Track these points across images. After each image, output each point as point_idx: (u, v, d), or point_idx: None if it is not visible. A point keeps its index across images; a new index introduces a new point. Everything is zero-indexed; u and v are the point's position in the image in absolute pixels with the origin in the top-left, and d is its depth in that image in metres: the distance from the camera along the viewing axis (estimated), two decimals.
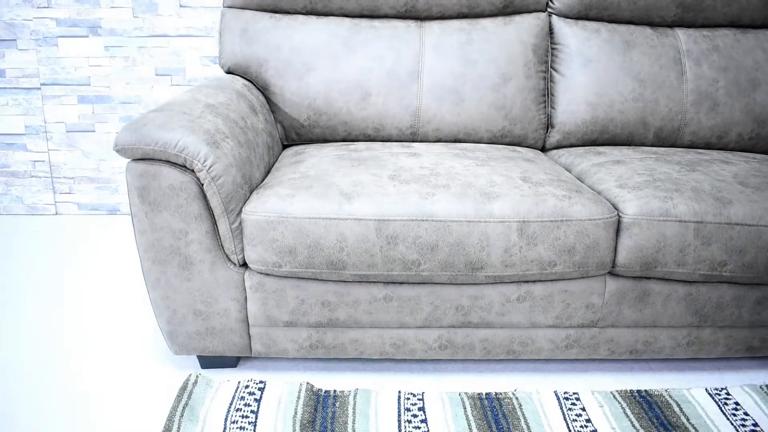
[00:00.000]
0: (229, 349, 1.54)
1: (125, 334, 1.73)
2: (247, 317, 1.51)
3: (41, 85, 2.39)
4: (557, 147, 1.97)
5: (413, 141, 1.92)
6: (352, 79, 1.86)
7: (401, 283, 1.47)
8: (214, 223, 1.42)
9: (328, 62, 1.86)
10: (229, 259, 1.46)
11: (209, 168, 1.36)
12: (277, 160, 1.78)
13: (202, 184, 1.38)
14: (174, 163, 1.37)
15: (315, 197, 1.40)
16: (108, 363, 1.61)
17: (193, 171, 1.38)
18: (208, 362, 1.61)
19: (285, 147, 1.97)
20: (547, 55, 1.96)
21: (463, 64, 1.88)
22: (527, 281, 1.49)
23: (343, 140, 1.92)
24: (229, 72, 1.93)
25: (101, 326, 1.77)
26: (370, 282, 1.46)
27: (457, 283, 1.48)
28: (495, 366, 1.65)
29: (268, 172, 1.67)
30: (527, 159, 1.71)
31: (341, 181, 1.47)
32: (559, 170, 1.66)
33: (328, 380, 1.57)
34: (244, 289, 1.48)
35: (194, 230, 1.42)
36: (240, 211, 1.42)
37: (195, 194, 1.39)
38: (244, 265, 1.47)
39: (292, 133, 1.92)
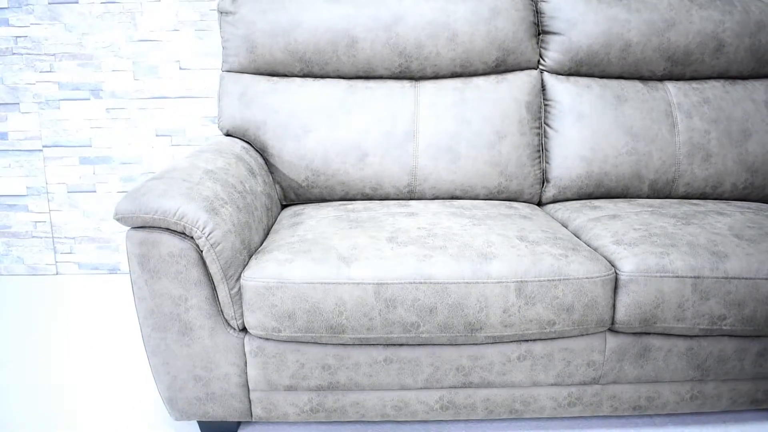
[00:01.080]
0: (229, 414, 1.52)
1: (124, 398, 1.72)
2: (247, 382, 1.49)
3: (43, 147, 2.42)
4: (553, 201, 1.99)
5: (410, 199, 1.93)
6: (349, 140, 1.88)
7: (401, 345, 1.47)
8: (214, 288, 1.43)
9: (325, 124, 1.89)
10: (229, 325, 1.45)
11: (208, 235, 1.37)
12: (276, 221, 1.79)
13: (202, 251, 1.39)
14: (173, 231, 1.38)
15: (313, 262, 1.41)
16: (107, 428, 1.59)
17: (192, 238, 1.39)
18: (209, 428, 1.59)
19: (284, 207, 1.98)
20: (540, 111, 1.99)
21: (458, 122, 1.90)
22: (527, 340, 1.48)
23: (341, 199, 1.94)
24: (228, 134, 1.95)
25: (100, 391, 1.76)
26: (369, 345, 1.46)
27: (457, 344, 1.47)
28: (498, 425, 1.63)
29: (267, 234, 1.67)
30: (524, 216, 1.72)
31: (339, 244, 1.48)
32: (556, 227, 1.67)
33: None
34: (244, 353, 1.47)
35: (194, 296, 1.42)
36: (239, 276, 1.43)
37: (194, 261, 1.39)
38: (244, 329, 1.47)
39: (291, 194, 1.94)
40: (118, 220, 1.38)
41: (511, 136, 1.92)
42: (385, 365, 1.47)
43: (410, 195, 1.92)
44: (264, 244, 1.56)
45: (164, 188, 1.40)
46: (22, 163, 2.43)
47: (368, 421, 1.64)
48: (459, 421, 1.65)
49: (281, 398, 1.50)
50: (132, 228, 1.40)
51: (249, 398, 1.51)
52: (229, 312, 1.44)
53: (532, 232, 1.58)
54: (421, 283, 1.40)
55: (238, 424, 1.60)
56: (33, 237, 2.49)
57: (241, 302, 1.43)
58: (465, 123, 1.91)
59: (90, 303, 2.31)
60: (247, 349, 1.46)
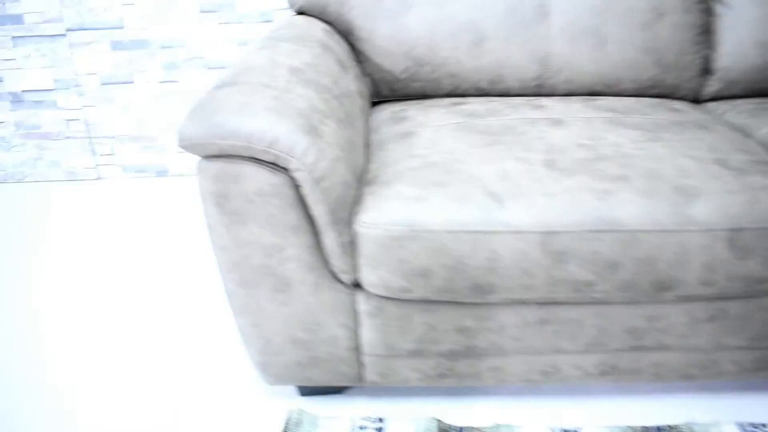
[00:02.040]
0: (336, 379, 1.20)
1: (198, 341, 1.40)
2: (359, 345, 1.15)
3: (67, 31, 1.96)
4: (714, 98, 1.53)
5: (538, 95, 1.49)
6: (462, 18, 1.41)
7: (561, 303, 1.10)
8: (317, 235, 1.05)
9: None
10: (337, 279, 1.09)
11: (311, 166, 0.96)
12: (372, 126, 1.38)
13: (301, 187, 0.99)
14: (262, 161, 0.98)
15: (454, 201, 1.01)
16: (183, 384, 1.28)
17: (287, 170, 0.99)
18: (309, 390, 1.27)
19: (374, 104, 1.56)
20: None
21: None
22: (723, 298, 1.10)
23: (448, 95, 1.50)
24: (300, 12, 1.49)
25: (163, 325, 1.44)
26: (522, 303, 1.09)
27: (632, 303, 1.10)
28: (663, 393, 1.29)
29: (367, 147, 1.27)
30: (700, 124, 1.28)
31: (482, 171, 1.07)
32: (751, 145, 1.23)
33: (457, 412, 1.23)
34: (357, 313, 1.12)
35: (291, 246, 1.04)
36: (351, 219, 1.04)
37: (291, 200, 1.00)
38: (357, 284, 1.10)
39: (384, 88, 1.50)
40: (184, 148, 0.98)
41: (672, 14, 1.43)
42: (538, 327, 1.11)
43: (538, 90, 1.48)
44: (373, 167, 1.15)
45: (243, 100, 0.99)
46: (44, 52, 1.99)
47: (503, 386, 1.30)
48: (614, 385, 1.31)
49: (402, 363, 1.17)
50: (204, 158, 1.00)
51: (360, 362, 1.17)
52: (338, 264, 1.06)
53: (729, 152, 1.15)
54: (603, 231, 1.00)
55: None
56: (67, 138, 2.10)
57: (355, 253, 1.06)
58: None
59: (138, 210, 1.96)
60: (361, 308, 1.10)
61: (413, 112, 1.38)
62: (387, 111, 1.43)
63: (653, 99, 1.45)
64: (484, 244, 0.99)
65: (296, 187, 1.00)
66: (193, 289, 1.61)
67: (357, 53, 1.47)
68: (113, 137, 2.10)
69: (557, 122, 1.26)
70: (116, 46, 1.98)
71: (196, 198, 2.02)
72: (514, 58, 1.43)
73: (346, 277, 1.08)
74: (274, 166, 0.98)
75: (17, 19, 1.94)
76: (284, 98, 1.01)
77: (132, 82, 2.03)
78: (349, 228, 1.04)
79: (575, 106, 1.36)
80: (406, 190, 1.03)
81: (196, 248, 1.78)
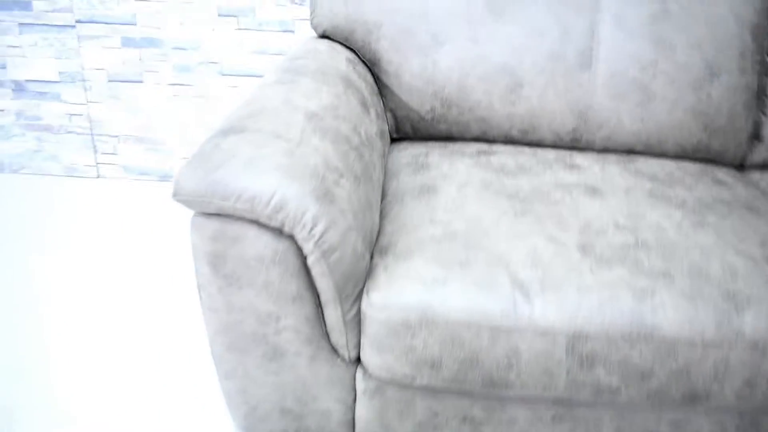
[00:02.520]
0: None
1: (178, 380, 1.29)
2: (354, 420, 1.04)
3: (76, 22, 1.84)
4: (762, 167, 1.40)
5: (573, 148, 1.37)
6: (498, 60, 1.29)
7: (580, 404, 0.98)
8: (319, 306, 0.93)
9: (465, 33, 1.29)
10: (336, 353, 0.98)
11: (320, 237, 0.85)
12: (387, 166, 1.26)
13: (307, 257, 0.88)
14: (264, 224, 0.87)
15: (477, 287, 0.89)
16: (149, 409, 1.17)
17: (292, 237, 0.88)
18: None
19: (393, 140, 1.44)
20: (766, 40, 1.35)
21: (655, 46, 1.29)
22: (761, 411, 0.99)
23: (475, 140, 1.38)
24: (323, 36, 1.37)
25: (142, 344, 1.33)
26: (537, 400, 0.98)
27: (657, 409, 0.98)
28: None
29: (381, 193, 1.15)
30: (749, 206, 1.16)
31: (509, 250, 0.95)
32: None
33: None
34: (354, 389, 1.01)
35: (289, 315, 0.93)
36: (359, 294, 0.93)
37: (294, 269, 0.89)
38: (357, 360, 0.99)
39: (406, 126, 1.38)
40: (180, 201, 0.87)
41: (727, 73, 1.30)
42: (552, 424, 1.00)
43: (573, 144, 1.35)
44: (388, 229, 1.03)
45: (251, 154, 0.87)
46: (51, 42, 1.87)
47: None
48: None
49: None
50: (200, 214, 0.88)
51: None
52: (339, 340, 0.95)
53: None
54: (639, 338, 0.88)
55: None
56: (69, 132, 1.99)
57: (358, 329, 0.95)
58: (665, 48, 1.29)
59: (138, 214, 1.85)
60: (359, 386, 1.00)
61: (436, 158, 1.26)
62: (407, 153, 1.31)
63: (696, 164, 1.33)
64: (505, 340, 0.88)
65: (301, 255, 0.89)
66: (180, 312, 1.50)
67: (380, 85, 1.35)
68: (117, 136, 1.98)
69: (594, 191, 1.14)
70: (127, 42, 1.86)
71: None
72: (551, 108, 1.31)
73: (346, 353, 0.97)
74: (278, 231, 0.87)
75: (25, 6, 1.82)
76: (297, 153, 0.90)
77: (141, 82, 1.91)
78: (355, 304, 0.93)
79: (613, 169, 1.24)
80: (423, 269, 0.92)
81: (189, 264, 1.67)
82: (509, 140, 1.37)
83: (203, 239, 0.89)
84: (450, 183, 1.15)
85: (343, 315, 0.92)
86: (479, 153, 1.29)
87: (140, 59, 1.88)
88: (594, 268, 0.93)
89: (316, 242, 0.85)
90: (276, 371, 0.99)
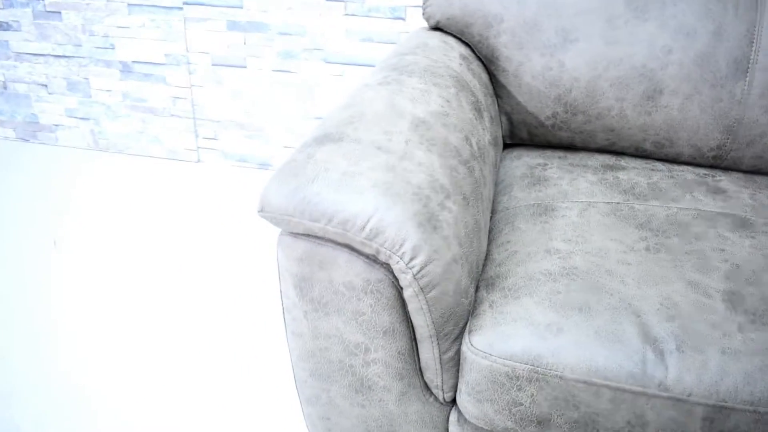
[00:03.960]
0: None
1: (254, 389, 1.24)
2: None
3: (183, 4, 1.82)
4: None
5: (714, 167, 1.19)
6: (636, 62, 1.13)
7: None
8: (413, 341, 0.84)
9: (599, 31, 1.14)
10: (429, 391, 0.88)
11: (419, 270, 0.75)
12: (498, 174, 1.14)
13: (402, 289, 0.78)
14: (357, 250, 0.78)
15: (600, 340, 0.76)
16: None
17: (388, 265, 0.78)
18: None
19: (505, 146, 1.31)
20: None
21: None
22: None
23: (601, 150, 1.23)
24: (436, 28, 1.26)
25: (224, 343, 1.29)
26: None
27: None
28: None
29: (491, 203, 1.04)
30: None
31: (641, 297, 0.81)
32: None
33: None
34: (446, 430, 0.91)
35: (379, 348, 0.84)
36: (460, 334, 0.82)
37: (388, 301, 0.80)
38: (453, 400, 0.89)
39: (523, 132, 1.25)
40: (264, 218, 0.79)
41: None
42: None
43: (715, 162, 1.18)
44: (498, 256, 0.92)
45: (346, 168, 0.78)
46: (158, 23, 1.86)
47: None
48: None
49: None
50: (287, 233, 0.81)
51: None
52: (433, 379, 0.85)
53: None
54: None
55: None
56: (172, 116, 1.99)
57: (456, 371, 0.84)
58: None
59: (236, 201, 1.83)
60: (452, 429, 0.89)
61: (555, 171, 1.13)
62: (522, 163, 1.18)
63: None
64: (630, 405, 0.75)
65: (397, 285, 0.79)
66: (270, 314, 1.45)
67: (496, 84, 1.22)
68: (218, 121, 1.96)
69: (743, 223, 0.97)
70: (232, 26, 1.82)
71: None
72: (693, 121, 1.14)
73: (440, 394, 0.87)
74: (372, 258, 0.78)
75: None
76: (399, 169, 0.80)
77: (245, 67, 1.87)
78: (455, 344, 0.82)
79: (765, 195, 1.06)
80: (536, 312, 0.80)
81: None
82: (640, 153, 1.21)
83: (290, 260, 0.81)
84: (570, 203, 1.02)
85: (440, 355, 0.82)
86: (605, 167, 1.15)
87: (245, 43, 1.84)
88: (744, 325, 0.78)
89: (415, 275, 0.75)
90: (362, 403, 0.91)
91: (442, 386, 0.85)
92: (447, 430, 0.91)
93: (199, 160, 2.05)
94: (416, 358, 0.86)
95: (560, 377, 0.76)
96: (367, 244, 0.75)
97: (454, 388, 0.86)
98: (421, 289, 0.76)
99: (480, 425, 0.84)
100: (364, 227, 0.75)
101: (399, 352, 0.85)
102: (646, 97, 1.14)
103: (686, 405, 0.74)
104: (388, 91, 0.96)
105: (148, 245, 1.67)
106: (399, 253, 0.75)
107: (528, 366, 0.76)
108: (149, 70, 1.93)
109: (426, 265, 0.75)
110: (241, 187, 1.92)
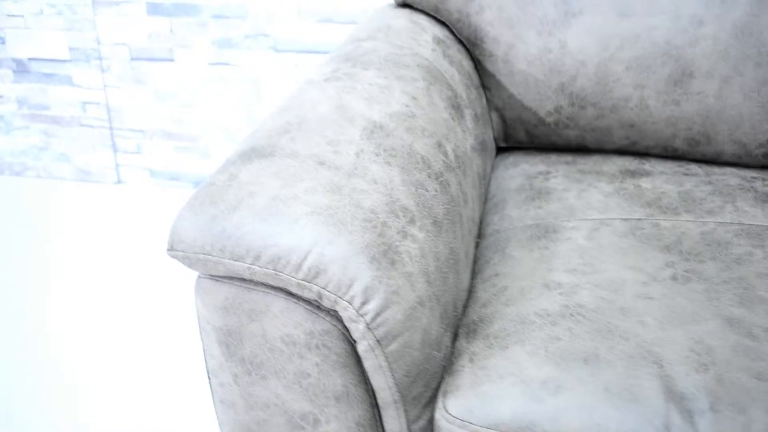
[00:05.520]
0: None
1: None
2: None
3: None
4: None
5: (764, 167, 1.20)
6: (657, 39, 1.14)
7: None
8: (375, 407, 0.83)
9: (609, 0, 1.15)
10: None
11: (374, 318, 0.75)
12: (489, 184, 1.14)
13: (356, 343, 0.78)
14: (295, 295, 0.78)
15: (610, 398, 0.76)
16: None
17: (335, 312, 0.78)
18: None
19: (499, 150, 1.32)
20: None
21: None
22: None
23: (619, 152, 1.24)
24: (405, 5, 1.27)
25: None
26: None
27: None
28: None
29: (478, 231, 1.04)
30: None
31: (662, 338, 0.81)
32: None
33: None
34: None
35: (332, 419, 0.84)
36: (433, 396, 0.82)
37: (338, 358, 0.79)
38: None
39: (519, 132, 1.26)
40: (176, 258, 0.79)
41: None
42: None
43: (766, 161, 1.19)
44: (482, 294, 0.92)
45: (278, 191, 0.78)
46: (60, 10, 1.87)
47: None
48: None
49: None
50: (206, 275, 0.80)
51: None
52: None
53: None
54: None
55: None
56: (82, 125, 1.99)
57: None
58: None
59: (166, 230, 1.83)
60: None
61: (560, 181, 1.13)
62: (519, 172, 1.18)
63: None
64: None
65: (349, 338, 0.79)
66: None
67: (484, 75, 1.23)
68: (142, 131, 1.97)
69: None
70: (154, 10, 1.84)
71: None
72: (735, 110, 1.15)
73: None
74: (315, 304, 0.78)
75: None
76: (347, 189, 0.80)
77: (172, 60, 1.88)
78: (427, 409, 0.82)
79: None
80: (530, 365, 0.79)
81: None
82: (670, 153, 1.22)
83: (211, 310, 0.81)
84: (578, 222, 1.02)
85: (409, 425, 0.82)
86: (624, 174, 1.15)
87: (171, 31, 1.85)
88: None
89: (369, 324, 0.75)
90: None
91: None
92: None
93: (119, 181, 2.05)
94: (380, 430, 0.85)
95: None
96: (307, 287, 0.75)
97: None
98: (378, 341, 0.76)
99: None
100: (300, 266, 0.75)
101: (357, 423, 0.84)
102: (673, 82, 1.15)
103: None
104: (336, 89, 0.97)
105: (54, 288, 1.66)
106: (347, 297, 0.75)
107: None
108: (51, 69, 1.94)
109: (383, 311, 0.75)
110: (171, 214, 1.92)
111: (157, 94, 1.94)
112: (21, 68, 1.97)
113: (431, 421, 0.83)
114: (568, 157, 1.23)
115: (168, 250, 0.80)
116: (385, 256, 0.77)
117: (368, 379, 0.82)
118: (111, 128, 1.99)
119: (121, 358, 1.50)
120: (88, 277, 1.71)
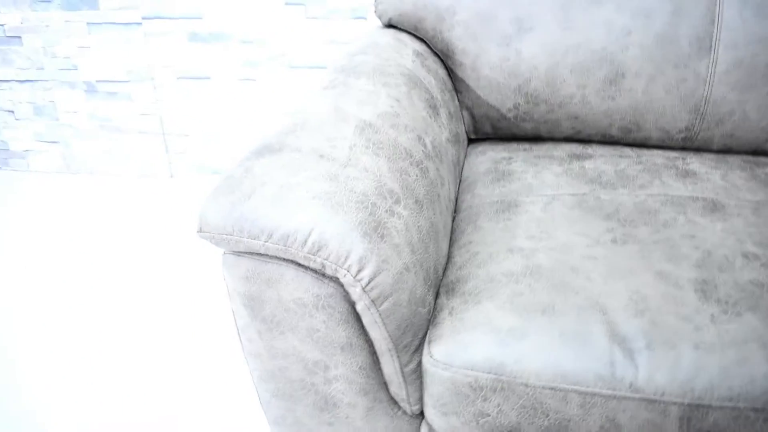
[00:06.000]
0: None
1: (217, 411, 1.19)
2: None
3: (142, 19, 1.76)
4: None
5: (684, 148, 1.14)
6: (595, 47, 1.08)
7: None
8: (374, 354, 0.79)
9: (555, 16, 1.08)
10: (397, 405, 0.83)
11: (368, 282, 0.70)
12: (462, 173, 1.08)
13: (355, 303, 0.73)
14: (303, 265, 0.72)
15: (566, 342, 0.71)
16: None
17: (337, 278, 0.73)
18: None
19: (470, 141, 1.26)
20: None
21: None
22: None
23: (567, 139, 1.18)
24: (390, 25, 1.20)
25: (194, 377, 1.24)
26: None
27: None
28: None
29: (454, 210, 0.99)
30: None
31: (608, 293, 0.76)
32: None
33: None
34: None
35: (339, 365, 0.79)
36: (420, 345, 0.77)
37: (341, 316, 0.74)
38: (421, 413, 0.84)
39: (486, 126, 1.20)
40: (205, 239, 0.74)
41: None
42: None
43: (685, 144, 1.13)
44: (458, 259, 0.87)
45: (285, 180, 0.73)
46: (119, 40, 1.80)
47: None
48: None
49: None
50: (230, 252, 0.75)
51: None
52: (398, 392, 0.80)
53: None
54: None
55: None
56: (140, 133, 1.93)
57: (421, 383, 0.79)
58: None
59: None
60: None
61: (520, 165, 1.08)
62: (487, 158, 1.13)
63: None
64: (601, 409, 0.70)
65: (349, 299, 0.74)
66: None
67: (455, 80, 1.17)
68: (187, 135, 1.91)
69: (714, 206, 0.92)
70: (194, 38, 1.77)
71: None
72: (659, 103, 1.09)
73: (407, 407, 0.82)
74: (320, 273, 0.73)
75: (92, 4, 1.76)
76: (342, 177, 0.74)
77: (209, 78, 1.81)
78: (416, 355, 0.77)
79: (737, 176, 1.01)
80: (498, 316, 0.74)
81: None
82: (608, 140, 1.16)
83: (236, 279, 0.76)
84: (535, 198, 0.96)
85: (402, 368, 0.77)
86: (571, 157, 1.09)
87: (207, 55, 1.78)
88: (717, 316, 0.73)
89: (365, 288, 0.70)
90: (329, 421, 0.86)
91: (408, 399, 0.80)
92: None
93: (171, 176, 1.99)
94: (380, 373, 0.81)
95: (526, 385, 0.70)
96: (312, 259, 0.70)
97: (421, 401, 0.81)
98: (373, 301, 0.71)
99: None
100: (305, 242, 0.70)
101: (360, 368, 0.79)
102: (609, 81, 1.09)
103: (660, 405, 0.69)
104: (333, 95, 0.91)
105: (125, 265, 1.61)
106: (345, 266, 0.70)
107: (491, 375, 0.71)
108: (114, 88, 1.87)
109: (375, 276, 0.70)
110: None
111: (198, 106, 1.88)
112: (90, 88, 1.90)
113: (420, 364, 0.78)
114: (526, 145, 1.17)
115: (197, 231, 0.74)
116: (376, 231, 0.72)
117: (367, 332, 0.77)
118: (163, 134, 1.92)
119: (162, 321, 1.46)
120: (146, 255, 1.66)
